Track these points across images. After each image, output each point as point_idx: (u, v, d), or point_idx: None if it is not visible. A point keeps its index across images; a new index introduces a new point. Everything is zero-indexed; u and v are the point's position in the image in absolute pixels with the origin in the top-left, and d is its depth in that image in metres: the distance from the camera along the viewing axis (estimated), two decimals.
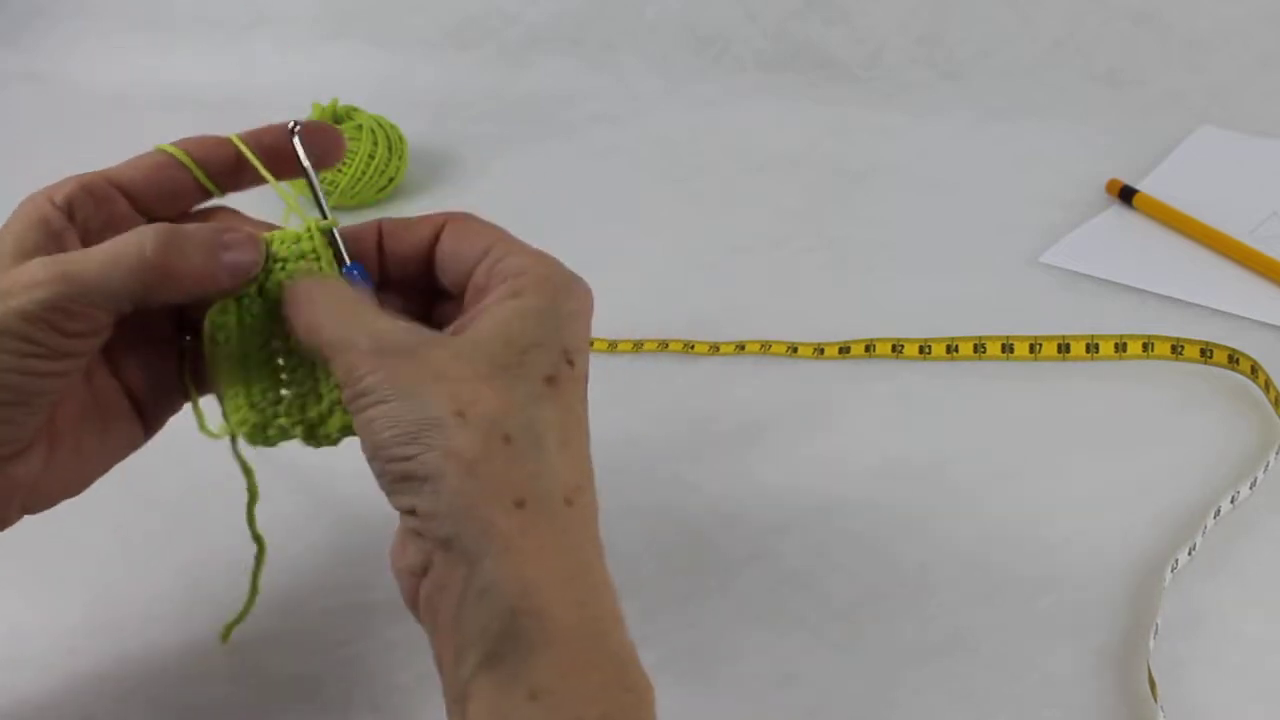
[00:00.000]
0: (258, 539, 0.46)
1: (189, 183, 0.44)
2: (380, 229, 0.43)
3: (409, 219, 0.43)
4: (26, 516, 0.43)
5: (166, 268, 0.40)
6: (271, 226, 0.44)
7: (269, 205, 0.45)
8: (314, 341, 0.40)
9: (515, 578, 0.35)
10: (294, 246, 0.42)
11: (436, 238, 0.42)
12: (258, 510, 0.46)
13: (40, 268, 0.39)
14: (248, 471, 0.45)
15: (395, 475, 0.37)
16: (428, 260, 0.43)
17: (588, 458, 0.39)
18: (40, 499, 0.43)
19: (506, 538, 0.35)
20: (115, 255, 0.39)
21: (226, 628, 0.49)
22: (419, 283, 0.43)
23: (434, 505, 0.36)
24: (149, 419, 0.45)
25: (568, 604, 0.35)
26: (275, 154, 0.44)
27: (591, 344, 0.42)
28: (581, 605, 0.36)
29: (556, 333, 0.38)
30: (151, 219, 0.44)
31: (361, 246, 0.43)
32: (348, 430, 0.43)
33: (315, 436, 0.43)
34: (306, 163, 0.44)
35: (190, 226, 0.41)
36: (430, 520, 0.36)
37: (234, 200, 0.45)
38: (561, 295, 0.39)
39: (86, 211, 0.42)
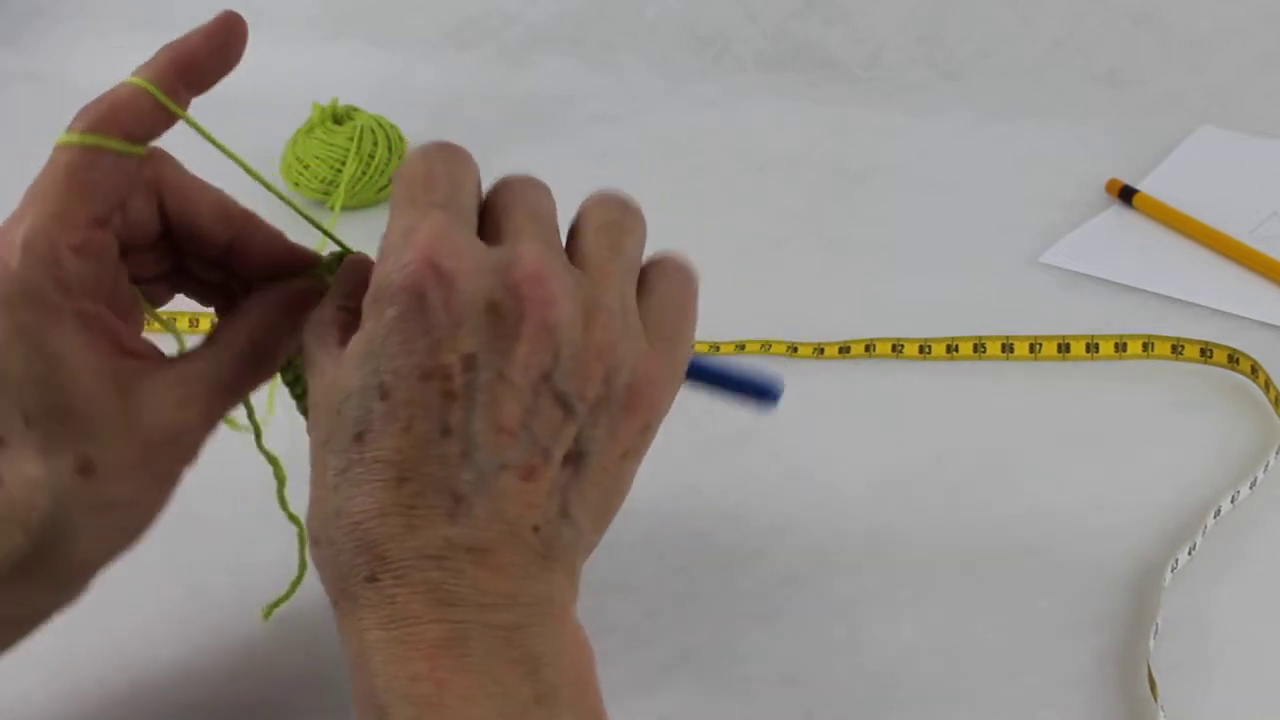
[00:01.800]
0: (294, 519, 0.46)
1: (113, 159, 0.40)
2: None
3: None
4: None
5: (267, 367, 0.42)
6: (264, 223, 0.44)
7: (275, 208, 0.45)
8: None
9: (350, 672, 0.36)
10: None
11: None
12: (258, 504, 0.46)
13: (193, 413, 0.40)
14: (273, 460, 0.46)
15: None
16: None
17: (413, 497, 0.35)
18: (117, 550, 0.42)
19: (341, 634, 0.37)
20: (230, 385, 0.41)
21: (269, 606, 0.49)
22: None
23: None
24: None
25: (383, 680, 0.35)
26: (185, 71, 0.41)
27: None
28: (390, 670, 0.35)
29: (371, 365, 0.36)
30: (107, 220, 0.40)
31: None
32: None
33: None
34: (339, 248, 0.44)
35: (268, 327, 0.42)
36: None
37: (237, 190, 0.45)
38: (382, 307, 0.36)
39: (82, 271, 0.39)
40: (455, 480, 0.35)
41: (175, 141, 0.43)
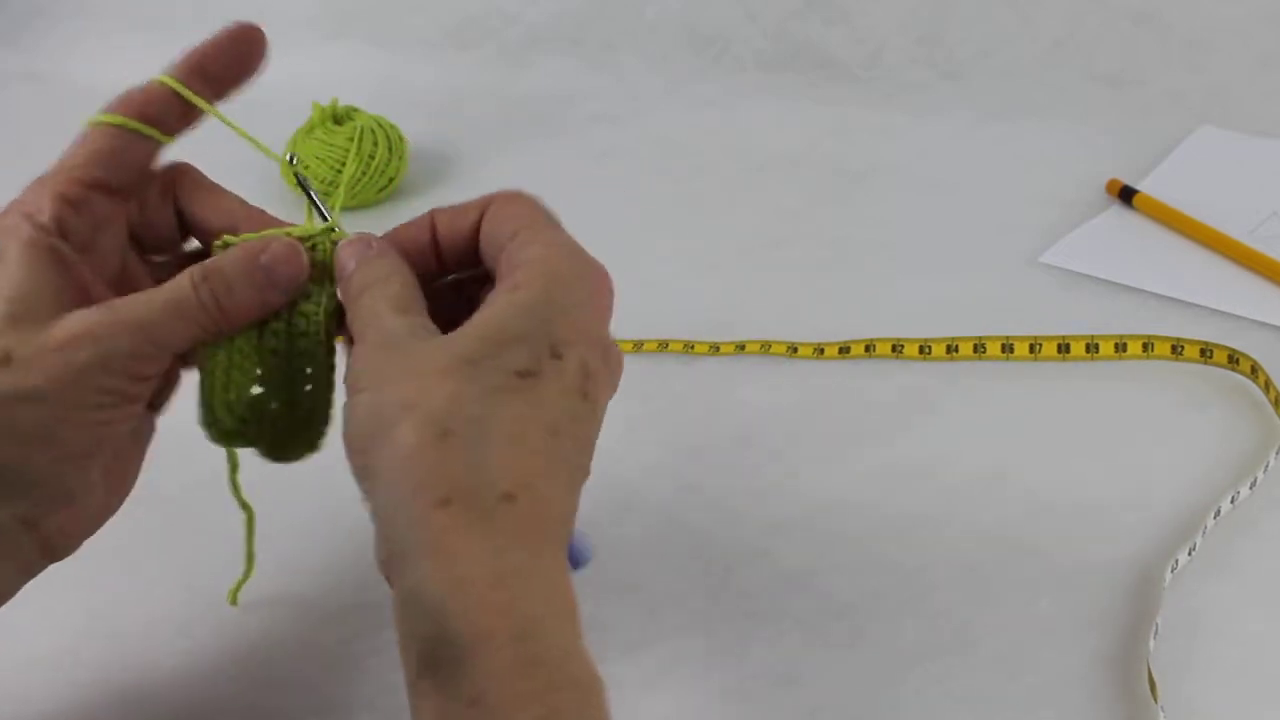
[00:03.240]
0: (245, 506, 0.46)
1: (139, 144, 0.43)
2: (433, 218, 0.43)
3: (460, 205, 0.43)
4: None
5: (217, 305, 0.41)
6: (276, 220, 0.44)
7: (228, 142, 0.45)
8: (350, 325, 0.41)
9: (439, 579, 0.34)
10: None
11: (482, 220, 0.42)
12: (263, 523, 0.46)
13: (101, 316, 0.39)
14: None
15: (355, 470, 0.37)
16: (476, 245, 0.42)
17: (554, 456, 0.37)
18: (95, 525, 0.43)
19: (434, 535, 0.35)
20: (175, 301, 0.40)
21: (232, 591, 0.49)
22: (472, 266, 0.43)
23: (375, 501, 0.37)
24: (154, 405, 0.45)
25: (496, 606, 0.34)
26: (206, 73, 0.44)
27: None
28: (511, 606, 0.34)
29: (544, 325, 0.38)
30: (121, 197, 0.43)
31: (416, 237, 0.43)
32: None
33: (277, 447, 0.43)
34: (310, 190, 0.45)
35: (226, 258, 0.41)
36: (377, 515, 0.37)
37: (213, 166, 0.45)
38: (559, 288, 0.38)
39: (73, 224, 0.42)
40: (579, 461, 0.39)
41: (186, 149, 0.44)
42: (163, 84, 0.43)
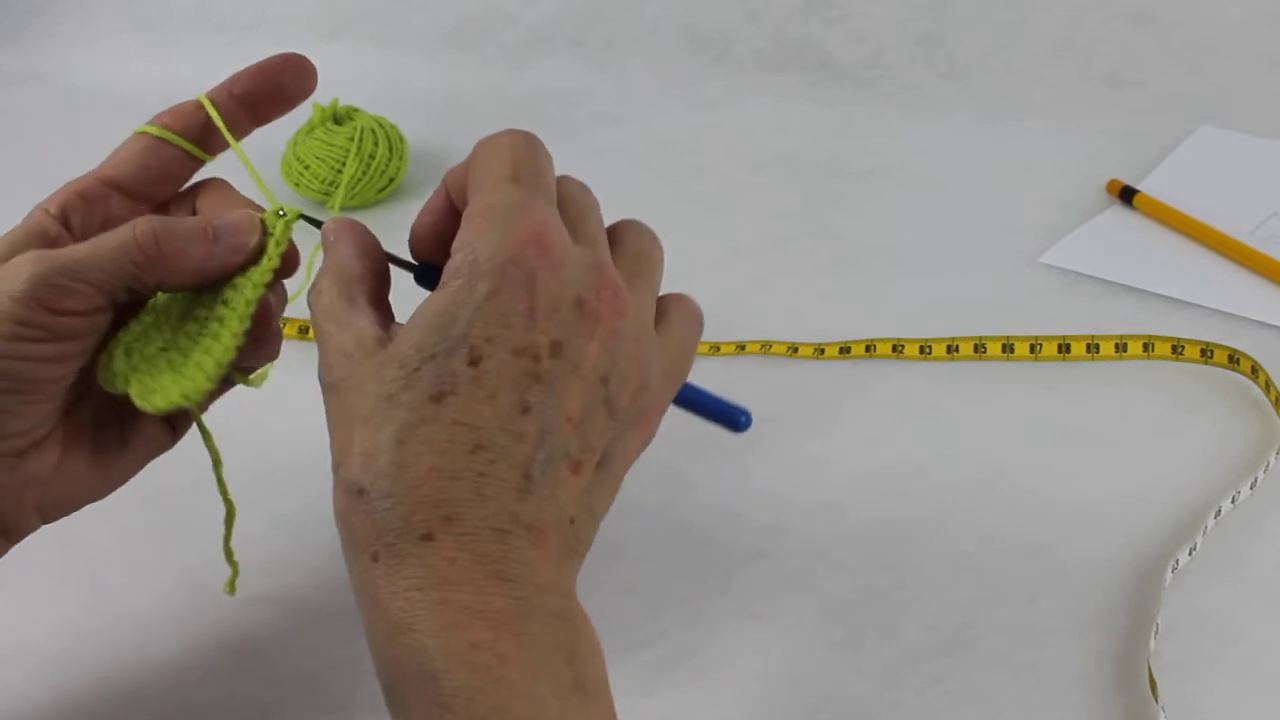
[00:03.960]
0: (227, 502, 0.46)
1: (178, 156, 0.44)
2: (446, 186, 0.42)
3: (462, 163, 0.41)
4: None
5: (157, 249, 0.40)
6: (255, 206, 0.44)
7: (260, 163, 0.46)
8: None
9: (377, 629, 0.35)
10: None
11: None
12: (259, 503, 0.46)
13: (31, 255, 0.39)
14: (207, 435, 0.45)
15: None
16: None
17: (491, 463, 0.35)
18: (57, 502, 0.43)
19: (368, 588, 0.36)
20: (106, 237, 0.40)
21: (228, 582, 0.48)
22: None
23: None
24: (175, 420, 0.45)
25: (406, 657, 0.34)
26: (247, 101, 0.44)
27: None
28: (419, 651, 0.34)
29: (456, 333, 0.36)
30: (150, 203, 0.44)
31: (435, 206, 0.42)
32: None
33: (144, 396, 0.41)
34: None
35: (181, 218, 0.42)
36: None
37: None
38: (477, 279, 0.36)
39: (81, 215, 0.43)
40: (530, 458, 0.36)
41: None
42: (197, 102, 0.44)
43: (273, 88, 0.44)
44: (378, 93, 0.91)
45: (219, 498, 0.45)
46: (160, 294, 0.42)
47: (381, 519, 0.35)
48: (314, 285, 0.40)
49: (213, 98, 0.44)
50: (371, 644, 0.36)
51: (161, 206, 0.45)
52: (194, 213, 0.45)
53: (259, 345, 0.44)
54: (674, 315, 0.42)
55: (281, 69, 0.44)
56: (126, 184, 0.44)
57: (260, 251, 0.42)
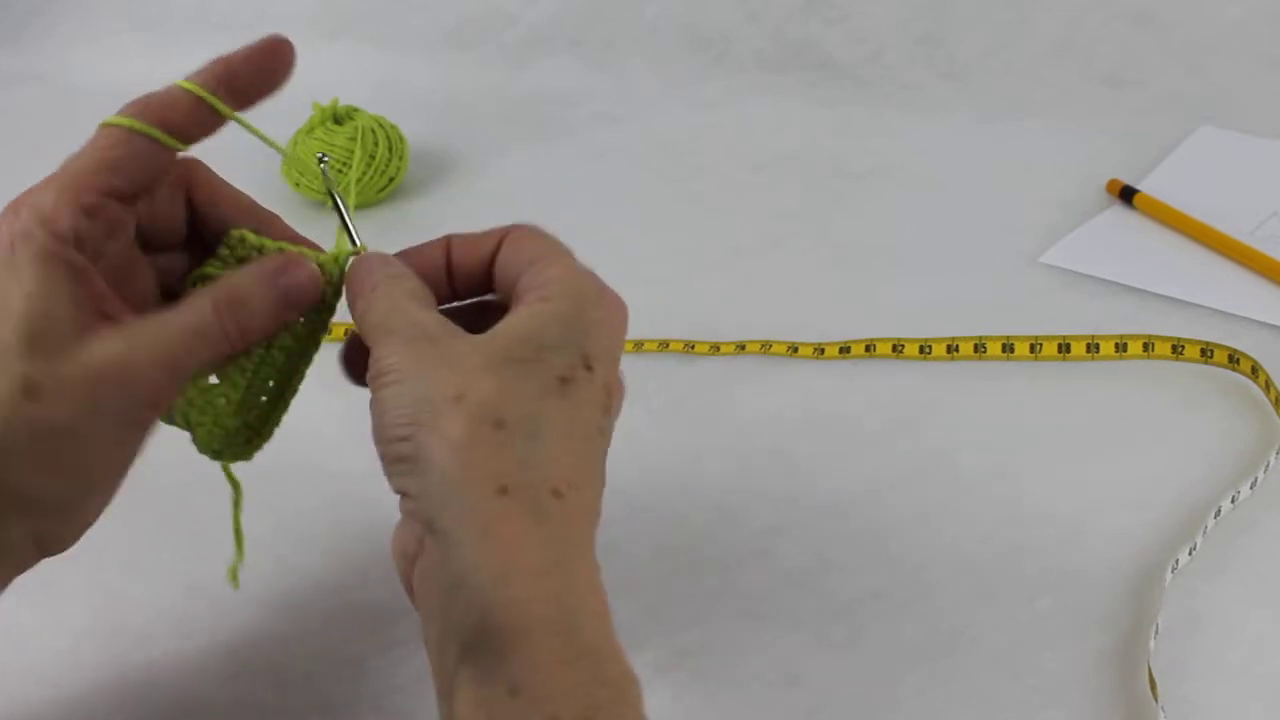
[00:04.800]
0: (233, 482, 0.46)
1: (148, 148, 0.42)
2: (449, 244, 0.43)
3: (477, 234, 0.43)
4: None
5: (238, 330, 0.41)
6: (296, 236, 0.45)
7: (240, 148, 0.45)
8: (361, 324, 0.40)
9: (490, 565, 0.35)
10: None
11: (498, 250, 0.43)
12: (259, 504, 0.46)
13: (133, 348, 0.39)
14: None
15: (393, 456, 0.37)
16: (490, 274, 0.43)
17: (591, 460, 0.38)
18: (66, 545, 0.43)
19: (485, 523, 0.35)
20: (197, 327, 0.41)
21: (231, 572, 0.48)
22: (483, 295, 0.44)
23: (421, 486, 0.36)
24: None
25: (543, 596, 0.35)
26: (230, 82, 0.43)
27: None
28: (557, 598, 0.35)
29: (577, 337, 0.38)
30: (133, 201, 0.42)
31: (431, 258, 0.43)
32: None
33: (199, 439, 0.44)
34: (339, 200, 0.45)
35: (246, 282, 0.42)
36: (417, 502, 0.37)
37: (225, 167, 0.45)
38: (589, 304, 0.39)
39: (90, 233, 0.41)
40: (601, 475, 0.39)
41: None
42: (183, 89, 0.42)
43: (261, 70, 0.44)
44: (378, 93, 0.91)
45: (217, 498, 0.45)
46: None
47: (522, 454, 0.36)
48: (372, 292, 0.41)
49: (196, 81, 0.43)
50: (471, 580, 0.35)
51: (148, 200, 0.44)
52: (185, 204, 0.44)
53: None
54: None
55: (268, 51, 0.45)
56: (119, 189, 0.42)
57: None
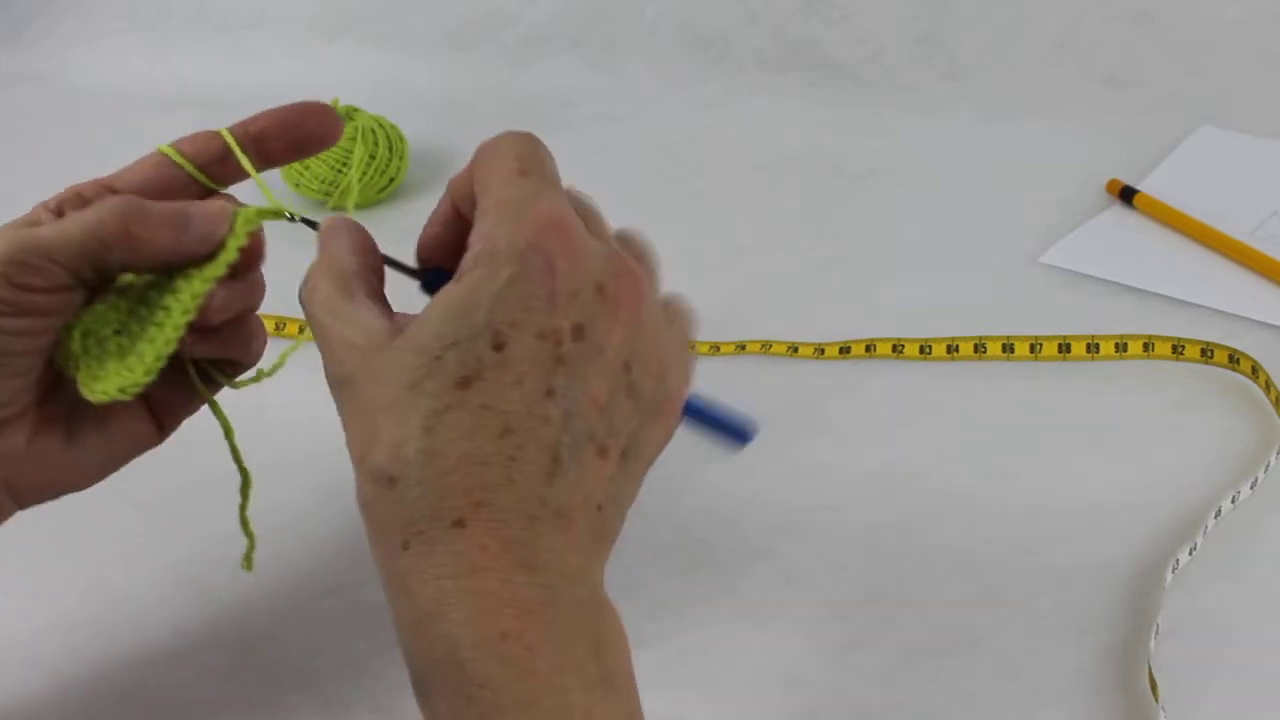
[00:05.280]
0: (243, 471, 0.46)
1: (184, 180, 0.44)
2: (451, 195, 0.42)
3: (462, 171, 0.41)
4: (24, 514, 0.43)
5: (125, 230, 0.40)
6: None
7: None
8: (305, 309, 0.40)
9: (406, 618, 0.35)
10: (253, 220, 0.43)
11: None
12: (258, 503, 0.46)
13: (2, 233, 0.40)
14: (215, 407, 0.45)
15: None
16: None
17: (520, 448, 0.35)
18: (32, 486, 0.43)
19: (398, 578, 0.36)
20: (73, 218, 0.40)
21: (245, 558, 0.48)
22: None
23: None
24: (163, 417, 0.45)
25: (436, 646, 0.34)
26: (262, 140, 0.44)
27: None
28: (450, 638, 0.34)
29: (479, 319, 0.36)
30: None
31: (442, 213, 0.42)
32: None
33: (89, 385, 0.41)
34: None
35: (156, 202, 0.41)
36: None
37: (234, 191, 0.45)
38: (498, 265, 0.36)
39: (74, 210, 0.42)
40: (556, 441, 0.36)
41: None
42: (219, 135, 0.44)
43: (286, 131, 0.45)
44: (378, 93, 0.91)
45: (217, 498, 0.45)
46: (126, 275, 0.42)
47: (411, 507, 0.35)
48: (307, 281, 0.40)
49: (232, 132, 0.44)
50: (400, 634, 0.36)
51: None
52: None
53: (207, 340, 0.44)
54: (674, 311, 0.43)
55: (304, 115, 0.45)
56: (126, 192, 0.43)
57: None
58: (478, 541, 0.35)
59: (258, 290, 0.45)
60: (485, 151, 0.40)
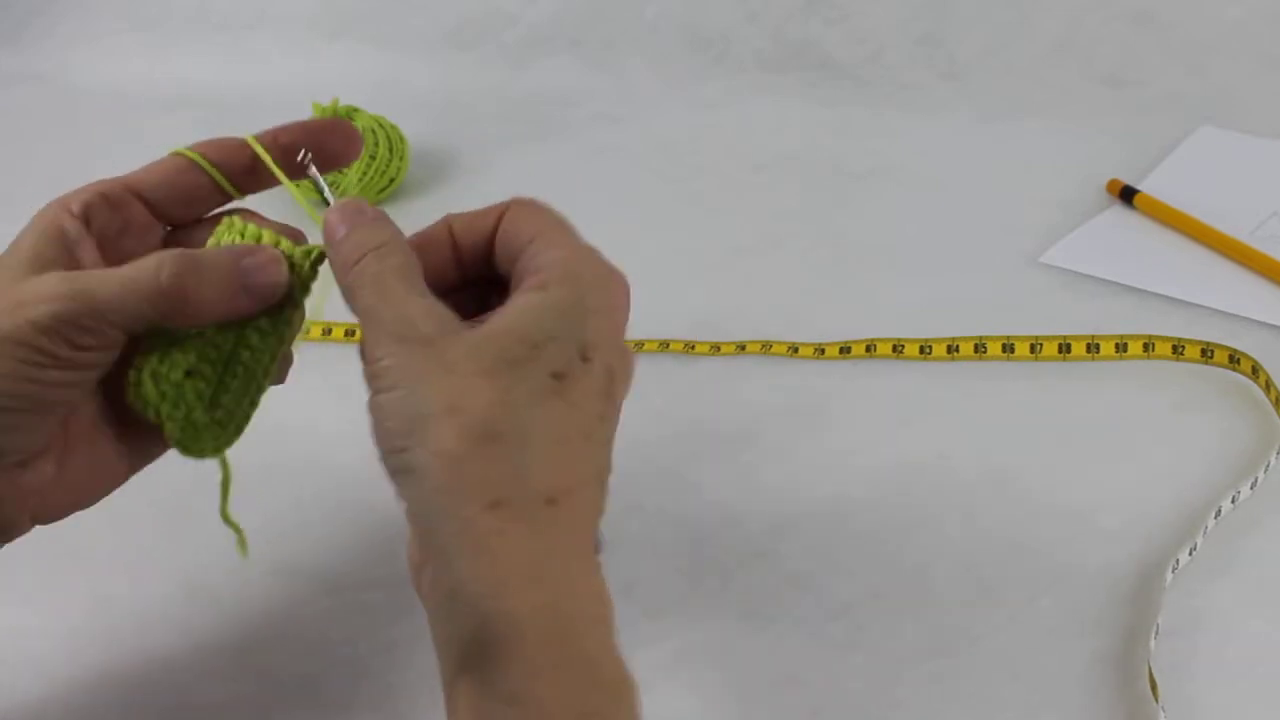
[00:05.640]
0: (223, 462, 0.46)
1: (207, 186, 0.44)
2: (450, 225, 0.43)
3: (476, 211, 0.42)
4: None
5: (182, 295, 0.40)
6: (289, 228, 0.44)
7: (286, 204, 0.46)
8: (349, 301, 0.40)
9: (485, 578, 0.35)
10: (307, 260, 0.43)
11: (498, 226, 0.42)
12: (259, 504, 0.46)
13: (58, 282, 0.39)
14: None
15: (392, 467, 0.37)
16: (491, 251, 0.42)
17: (589, 458, 0.38)
18: (52, 508, 0.43)
19: (479, 537, 0.35)
20: (132, 279, 0.40)
21: (239, 545, 0.48)
22: (489, 274, 0.43)
23: (419, 500, 0.36)
24: None
25: (538, 605, 0.35)
26: (291, 152, 0.44)
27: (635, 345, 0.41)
28: (553, 606, 0.35)
29: (574, 327, 0.38)
30: (171, 223, 0.45)
31: (435, 246, 0.42)
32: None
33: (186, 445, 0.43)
34: (324, 186, 0.45)
35: (211, 253, 0.41)
36: (416, 514, 0.37)
37: (252, 199, 0.45)
38: (588, 289, 0.39)
39: (103, 219, 0.43)
40: (606, 464, 0.39)
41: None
42: (247, 143, 0.44)
43: (316, 146, 0.45)
44: (378, 92, 0.91)
45: (218, 498, 0.45)
46: None
47: (515, 468, 0.36)
48: (357, 267, 0.39)
49: (261, 141, 0.44)
50: (465, 593, 0.35)
51: (181, 227, 0.45)
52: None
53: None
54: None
55: (329, 131, 0.45)
56: (151, 197, 0.44)
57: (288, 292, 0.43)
58: (567, 525, 0.36)
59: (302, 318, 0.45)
60: (526, 201, 0.42)
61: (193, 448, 0.43)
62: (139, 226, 0.43)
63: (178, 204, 0.44)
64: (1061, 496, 0.56)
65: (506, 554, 0.35)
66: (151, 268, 0.40)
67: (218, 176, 0.44)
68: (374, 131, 0.83)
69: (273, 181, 0.44)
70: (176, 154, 0.44)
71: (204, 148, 0.44)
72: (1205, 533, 0.52)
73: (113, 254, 0.43)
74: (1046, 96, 0.91)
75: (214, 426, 0.43)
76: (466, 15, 1.05)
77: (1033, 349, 0.64)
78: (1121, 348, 0.63)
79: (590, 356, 0.38)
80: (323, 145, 0.45)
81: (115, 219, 0.43)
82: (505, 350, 0.37)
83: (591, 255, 0.40)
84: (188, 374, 0.42)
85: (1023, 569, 0.52)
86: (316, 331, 0.65)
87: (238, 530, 0.46)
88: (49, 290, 0.39)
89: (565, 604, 0.35)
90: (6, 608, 0.54)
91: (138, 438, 0.44)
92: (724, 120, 0.94)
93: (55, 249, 0.41)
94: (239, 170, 0.44)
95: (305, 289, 0.43)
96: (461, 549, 0.35)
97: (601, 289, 0.39)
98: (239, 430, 0.44)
